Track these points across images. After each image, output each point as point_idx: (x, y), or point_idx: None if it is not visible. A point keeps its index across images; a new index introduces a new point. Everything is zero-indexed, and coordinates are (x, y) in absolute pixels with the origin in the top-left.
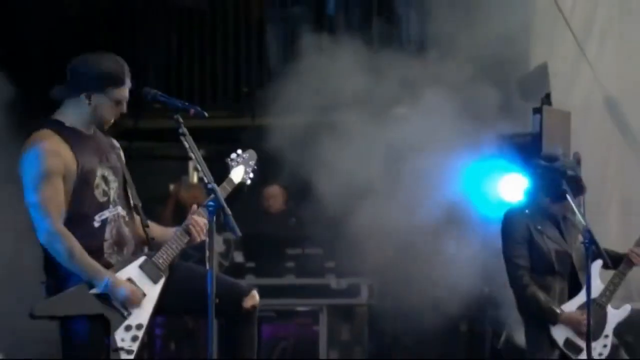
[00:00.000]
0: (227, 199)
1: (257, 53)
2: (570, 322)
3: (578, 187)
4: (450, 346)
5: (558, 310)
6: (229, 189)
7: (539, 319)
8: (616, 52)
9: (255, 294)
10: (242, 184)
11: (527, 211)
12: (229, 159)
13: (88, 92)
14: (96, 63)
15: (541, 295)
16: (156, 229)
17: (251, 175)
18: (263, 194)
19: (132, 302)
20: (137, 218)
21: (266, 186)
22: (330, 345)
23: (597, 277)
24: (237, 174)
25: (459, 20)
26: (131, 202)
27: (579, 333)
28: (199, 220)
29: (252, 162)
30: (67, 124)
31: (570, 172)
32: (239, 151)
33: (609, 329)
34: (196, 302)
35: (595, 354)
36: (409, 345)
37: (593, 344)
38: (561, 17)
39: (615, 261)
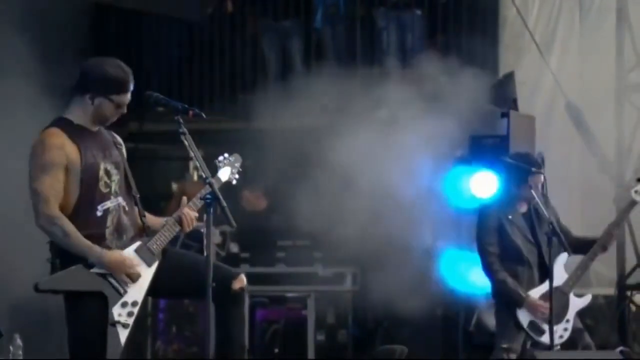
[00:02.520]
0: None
1: (251, 62)
2: (532, 307)
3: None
4: (426, 329)
5: (524, 295)
6: (217, 186)
7: (506, 302)
8: (576, 61)
9: (242, 277)
10: (228, 183)
11: (498, 203)
12: (217, 161)
13: (92, 94)
14: (104, 68)
15: (510, 280)
16: (151, 219)
17: (236, 176)
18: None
19: (121, 266)
20: (136, 208)
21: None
22: (317, 328)
23: (562, 268)
24: (224, 174)
25: (435, 34)
26: (133, 193)
27: (541, 317)
28: (190, 213)
29: (237, 165)
30: (75, 121)
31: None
32: (226, 154)
33: (570, 314)
34: (187, 284)
35: (555, 337)
36: (389, 328)
37: (554, 327)
38: (526, 30)
39: (584, 246)
